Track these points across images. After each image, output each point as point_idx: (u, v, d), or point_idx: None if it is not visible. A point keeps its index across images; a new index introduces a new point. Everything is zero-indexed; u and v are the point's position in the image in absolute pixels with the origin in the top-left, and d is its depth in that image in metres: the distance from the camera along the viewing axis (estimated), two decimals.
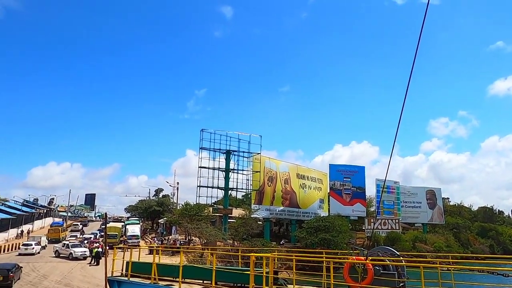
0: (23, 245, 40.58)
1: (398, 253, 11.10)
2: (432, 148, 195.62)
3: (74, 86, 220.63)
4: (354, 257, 11.07)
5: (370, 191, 67.97)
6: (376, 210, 63.31)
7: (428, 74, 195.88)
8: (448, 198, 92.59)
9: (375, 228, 53.92)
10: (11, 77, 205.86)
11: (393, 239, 51.09)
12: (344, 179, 60.55)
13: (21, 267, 26.91)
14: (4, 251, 41.12)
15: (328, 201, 61.47)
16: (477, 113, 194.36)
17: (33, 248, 39.42)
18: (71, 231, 70.17)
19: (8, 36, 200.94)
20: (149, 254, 33.62)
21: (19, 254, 37.26)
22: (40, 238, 46.05)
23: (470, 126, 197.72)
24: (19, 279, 25.28)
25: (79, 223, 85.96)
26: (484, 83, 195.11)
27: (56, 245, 42.99)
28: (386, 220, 57.70)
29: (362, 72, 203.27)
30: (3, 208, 60.55)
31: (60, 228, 61.11)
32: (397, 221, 59.04)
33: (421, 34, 5.39)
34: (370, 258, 9.95)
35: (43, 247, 43.98)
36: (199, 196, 46.35)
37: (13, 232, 56.87)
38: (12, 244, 44.35)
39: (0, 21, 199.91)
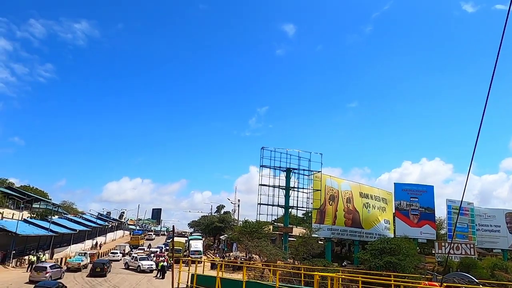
0: (111, 252, 52.80)
1: (476, 280, 10.24)
2: None
3: (146, 107, 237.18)
4: (426, 282, 10.40)
5: (441, 212, 63.59)
6: (448, 233, 58.80)
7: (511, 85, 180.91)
8: None
9: (446, 252, 49.95)
10: (91, 98, 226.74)
11: (467, 266, 46.81)
12: (411, 199, 57.25)
13: (111, 262, 34.79)
14: (98, 256, 48.33)
15: (394, 222, 58.40)
16: None
17: (118, 255, 50.57)
18: (147, 239, 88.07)
19: (90, 62, 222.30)
20: (212, 269, 34.30)
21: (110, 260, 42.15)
22: (125, 246, 61.11)
23: None
24: (109, 271, 34.67)
25: (152, 233, 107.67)
26: None
27: (126, 257, 45.77)
28: (459, 245, 53.22)
29: (435, 87, 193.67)
30: (80, 220, 65.78)
31: (139, 236, 79.41)
32: (471, 245, 54.16)
33: (501, 44, 5.07)
34: (446, 284, 9.29)
35: (127, 253, 55.72)
36: (260, 214, 46.64)
37: (88, 243, 61.41)
38: (103, 252, 56.46)
39: (84, 50, 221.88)
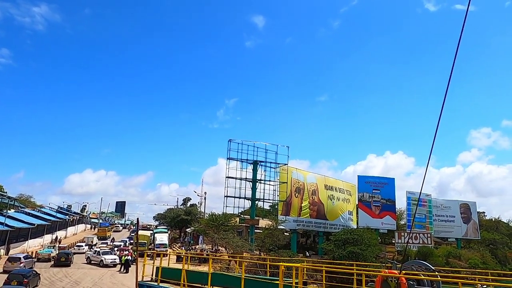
0: (76, 246, 53.00)
1: (433, 268, 10.73)
2: (470, 159, 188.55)
3: (109, 97, 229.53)
4: (386, 270, 10.78)
5: (401, 203, 66.10)
6: (407, 224, 61.39)
7: (470, 82, 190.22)
8: (484, 213, 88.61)
9: (405, 242, 52.24)
10: (49, 87, 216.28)
11: (425, 254, 49.20)
12: (373, 191, 59.20)
13: (39, 274, 27.69)
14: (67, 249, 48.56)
15: (357, 213, 60.22)
16: None
17: (83, 248, 50.14)
18: (114, 231, 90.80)
19: (50, 47, 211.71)
20: (177, 262, 33.98)
21: (74, 253, 42.65)
22: (93, 238, 62.89)
23: None
24: (36, 285, 25.99)
25: (120, 225, 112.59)
26: None
27: (87, 251, 44.42)
28: (417, 234, 55.77)
29: (399, 81, 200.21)
30: (39, 214, 63.00)
31: (106, 228, 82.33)
32: (429, 235, 56.94)
33: (460, 41, 5.27)
34: (404, 272, 9.66)
35: (94, 245, 56.63)
36: (226, 206, 46.59)
37: (47, 237, 58.97)
38: (69, 245, 54.77)
39: (43, 35, 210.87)
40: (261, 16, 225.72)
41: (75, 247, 51.78)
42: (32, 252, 43.01)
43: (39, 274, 27.53)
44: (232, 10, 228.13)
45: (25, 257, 33.02)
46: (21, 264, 30.63)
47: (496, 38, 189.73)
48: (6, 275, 24.93)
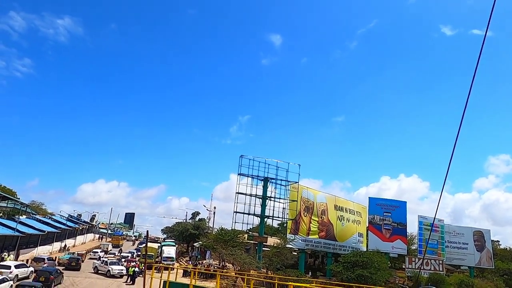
0: (92, 251, 57.71)
1: None
2: (487, 186, 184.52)
3: (126, 111, 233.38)
4: None
5: (412, 228, 64.88)
6: (418, 249, 60.06)
7: (490, 108, 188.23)
8: (498, 241, 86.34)
9: (416, 267, 51.03)
10: (68, 98, 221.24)
11: (436, 281, 47.93)
12: (384, 214, 58.31)
13: (62, 273, 31.67)
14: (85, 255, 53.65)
15: (367, 235, 59.25)
16: None
17: (98, 254, 54.02)
18: (127, 240, 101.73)
19: (72, 60, 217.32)
20: (184, 276, 33.83)
21: (89, 258, 50.98)
22: (108, 245, 71.52)
23: None
24: (60, 283, 29.85)
25: (132, 235, 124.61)
26: None
27: (95, 261, 44.54)
28: (429, 260, 54.49)
29: (416, 106, 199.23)
30: (50, 221, 63.64)
31: (120, 237, 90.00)
32: (440, 262, 55.57)
33: (477, 68, 5.35)
34: None
35: (109, 251, 63.91)
36: (235, 222, 46.40)
37: (56, 245, 59.40)
38: (86, 251, 60.19)
39: (66, 47, 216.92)
40: (278, 35, 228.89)
41: (91, 253, 56.83)
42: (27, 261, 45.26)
43: (63, 273, 31.47)
44: (251, 28, 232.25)
45: (48, 259, 39.60)
46: (45, 264, 36.01)
47: None
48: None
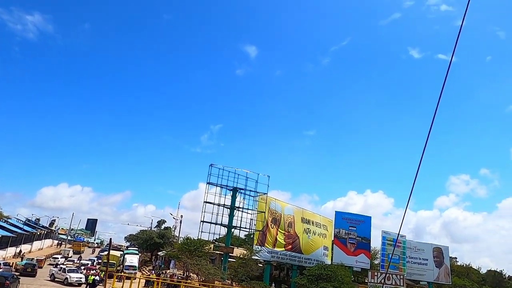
0: (52, 257, 56.74)
1: None
2: (447, 204, 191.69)
3: (93, 114, 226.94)
4: None
5: (376, 242, 66.34)
6: (381, 263, 61.35)
7: (453, 129, 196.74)
8: (456, 258, 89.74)
9: (378, 282, 52.04)
10: (33, 98, 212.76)
11: None
12: (350, 228, 59.30)
13: (19, 278, 30.54)
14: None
15: (332, 249, 59.99)
16: (500, 173, 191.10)
17: (59, 260, 53.07)
18: (88, 247, 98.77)
19: (40, 58, 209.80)
20: (146, 286, 32.93)
21: (49, 264, 49.58)
22: (69, 251, 71.00)
23: (491, 187, 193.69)
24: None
25: (94, 242, 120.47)
26: (509, 143, 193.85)
27: (52, 268, 42.53)
28: (390, 275, 55.72)
29: (384, 123, 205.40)
30: (4, 225, 60.38)
31: (81, 243, 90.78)
32: (401, 276, 56.84)
33: (442, 90, 5.65)
34: None
35: (69, 257, 63.63)
36: (202, 232, 45.84)
37: (11, 250, 56.33)
38: (46, 256, 58.87)
39: (34, 44, 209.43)
40: (254, 46, 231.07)
41: (50, 259, 55.58)
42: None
43: (19, 279, 30.52)
44: (226, 37, 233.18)
45: (4, 264, 39.09)
46: (0, 270, 35.19)
47: (478, 89, 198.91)
48: None
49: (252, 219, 48.60)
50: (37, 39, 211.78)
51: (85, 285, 35.03)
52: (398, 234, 9.34)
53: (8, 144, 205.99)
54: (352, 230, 59.40)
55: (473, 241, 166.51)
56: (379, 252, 64.73)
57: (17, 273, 35.74)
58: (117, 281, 27.77)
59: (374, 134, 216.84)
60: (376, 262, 67.16)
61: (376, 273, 55.23)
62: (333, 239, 60.20)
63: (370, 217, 63.26)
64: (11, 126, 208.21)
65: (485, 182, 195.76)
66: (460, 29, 5.62)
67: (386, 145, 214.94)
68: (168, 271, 48.52)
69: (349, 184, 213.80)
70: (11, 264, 42.59)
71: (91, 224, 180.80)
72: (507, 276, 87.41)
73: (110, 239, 22.45)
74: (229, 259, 46.80)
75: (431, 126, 5.91)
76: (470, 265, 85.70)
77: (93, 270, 42.94)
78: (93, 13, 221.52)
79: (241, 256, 46.19)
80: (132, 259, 50.11)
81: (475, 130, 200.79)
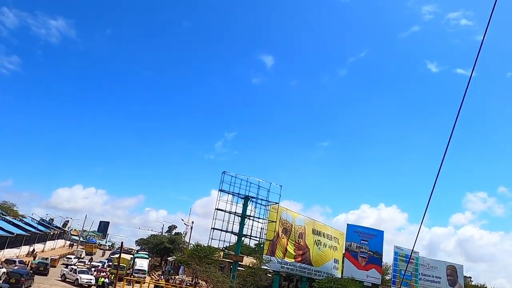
0: (66, 257, 57.68)
1: None
2: (463, 222, 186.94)
3: (112, 118, 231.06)
4: None
5: (388, 258, 65.06)
6: (392, 279, 60.14)
7: (471, 145, 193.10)
8: (470, 278, 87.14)
9: None
10: (53, 100, 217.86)
11: None
12: (361, 242, 58.38)
13: (33, 276, 31.79)
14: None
15: (343, 262, 59.09)
16: None
17: (72, 260, 54.12)
18: (100, 249, 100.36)
19: (61, 62, 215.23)
20: None
21: (62, 264, 50.83)
22: (82, 252, 72.26)
23: (509, 205, 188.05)
24: (30, 286, 29.96)
25: (106, 244, 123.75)
26: None
27: (63, 268, 43.04)
28: None
29: (401, 137, 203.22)
30: (20, 223, 61.49)
31: (94, 245, 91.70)
32: None
33: (461, 105, 5.59)
34: None
35: (82, 258, 64.48)
36: (212, 239, 45.68)
37: (25, 249, 57.25)
38: (60, 256, 60.71)
39: (56, 48, 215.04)
40: (270, 56, 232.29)
41: (64, 259, 56.36)
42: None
43: (34, 276, 31.87)
44: (244, 46, 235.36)
45: (20, 262, 39.75)
46: (16, 267, 35.65)
47: (497, 105, 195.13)
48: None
49: (263, 228, 48.29)
50: (59, 44, 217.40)
51: (94, 287, 35.39)
52: (412, 250, 9.18)
53: (28, 145, 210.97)
54: (364, 244, 58.46)
55: (489, 261, 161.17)
56: (391, 268, 63.46)
57: (31, 271, 36.41)
58: (127, 285, 27.93)
59: (389, 147, 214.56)
60: (387, 277, 65.85)
61: None
62: (344, 252, 59.35)
63: (383, 231, 62.22)
64: (31, 127, 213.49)
65: (503, 200, 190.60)
66: (481, 44, 5.57)
67: (402, 159, 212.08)
68: (177, 276, 48.50)
69: (362, 197, 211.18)
70: (26, 262, 43.17)
71: (103, 226, 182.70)
72: None
73: (122, 242, 22.70)
74: (238, 268, 46.51)
75: (449, 141, 5.85)
76: (485, 286, 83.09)
77: (103, 272, 43.28)
78: (115, 20, 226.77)
79: (250, 265, 45.91)
80: (142, 263, 50.29)
81: (494, 147, 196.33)
